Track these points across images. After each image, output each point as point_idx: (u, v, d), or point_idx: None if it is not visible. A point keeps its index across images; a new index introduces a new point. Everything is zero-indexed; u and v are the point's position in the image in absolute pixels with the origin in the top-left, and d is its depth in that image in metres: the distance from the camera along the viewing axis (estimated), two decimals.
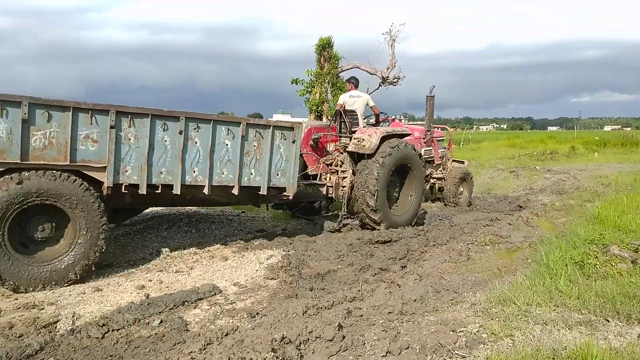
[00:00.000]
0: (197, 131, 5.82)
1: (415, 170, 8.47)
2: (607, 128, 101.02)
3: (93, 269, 5.50)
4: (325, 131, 8.68)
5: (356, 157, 8.21)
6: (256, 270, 5.96)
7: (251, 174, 6.30)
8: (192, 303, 4.81)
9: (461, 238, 7.56)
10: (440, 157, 10.82)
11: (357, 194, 7.84)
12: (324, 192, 8.21)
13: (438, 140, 10.85)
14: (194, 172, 5.86)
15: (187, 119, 5.72)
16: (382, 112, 9.18)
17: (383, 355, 3.63)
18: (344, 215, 8.24)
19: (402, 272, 5.86)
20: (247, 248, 6.92)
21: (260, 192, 6.39)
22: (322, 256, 6.54)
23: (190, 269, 5.94)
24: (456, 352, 3.62)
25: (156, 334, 4.12)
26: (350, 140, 8.19)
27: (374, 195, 7.62)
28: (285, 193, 6.63)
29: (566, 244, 6.36)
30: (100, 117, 5.24)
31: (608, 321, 4.12)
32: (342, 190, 8.14)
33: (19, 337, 4.01)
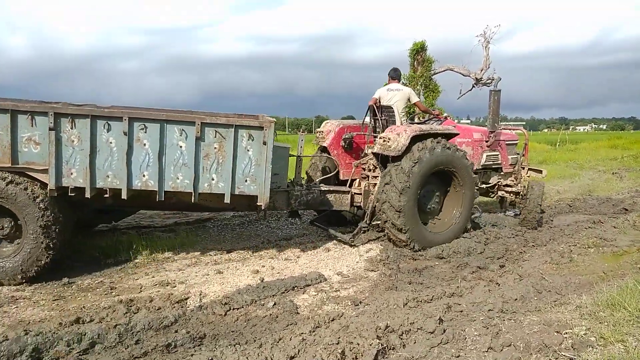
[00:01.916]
0: (145, 132, 5.08)
1: (461, 178, 6.68)
2: None
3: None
4: (359, 130, 7.39)
5: (380, 160, 6.74)
6: (357, 262, 6.00)
7: (212, 179, 5.32)
8: (301, 288, 4.97)
9: (562, 240, 7.03)
10: (511, 165, 8.43)
11: (379, 209, 6.35)
12: (349, 200, 6.79)
13: (508, 145, 8.54)
14: (144, 176, 5.14)
15: (131, 119, 5.02)
16: (434, 108, 7.95)
17: (485, 351, 3.50)
18: (364, 227, 6.71)
19: (500, 271, 5.59)
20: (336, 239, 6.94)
21: (225, 201, 5.39)
22: (419, 252, 6.42)
23: (298, 257, 6.13)
24: (562, 353, 3.39)
25: (271, 314, 4.32)
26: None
27: (399, 213, 6.13)
28: (257, 202, 5.50)
29: None
30: (40, 119, 4.85)
31: None
32: (372, 198, 6.63)
33: (157, 309, 4.41)
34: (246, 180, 5.41)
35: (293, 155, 6.65)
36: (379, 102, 7.24)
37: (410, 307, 4.37)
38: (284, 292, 4.82)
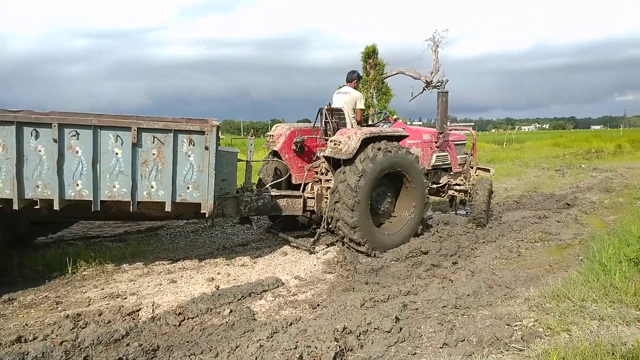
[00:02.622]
0: (77, 139, 4.81)
1: (412, 179, 6.69)
2: None
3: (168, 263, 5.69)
4: (310, 133, 7.25)
5: (332, 163, 6.60)
6: (314, 265, 5.99)
7: (152, 187, 5.09)
8: (258, 294, 4.90)
9: (510, 235, 7.31)
10: (460, 164, 8.61)
11: (332, 208, 6.27)
12: (302, 205, 6.64)
13: (457, 145, 8.67)
14: (77, 185, 4.89)
15: (60, 125, 4.74)
16: (382, 112, 7.97)
17: (440, 347, 3.58)
18: (322, 233, 6.59)
19: (453, 268, 5.74)
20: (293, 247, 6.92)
21: (166, 209, 5.19)
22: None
23: (254, 263, 6.05)
24: (513, 345, 3.51)
25: (227, 322, 4.23)
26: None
27: (352, 212, 6.06)
28: (201, 210, 5.28)
29: (619, 241, 6.02)
30: None
31: None
32: (325, 202, 6.57)
33: (107, 323, 4.22)
34: (188, 188, 5.21)
35: (242, 160, 6.49)
36: (330, 105, 7.18)
37: (367, 308, 4.40)
38: (240, 299, 4.74)
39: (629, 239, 6.10)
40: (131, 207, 5.11)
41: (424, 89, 15.97)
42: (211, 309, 4.48)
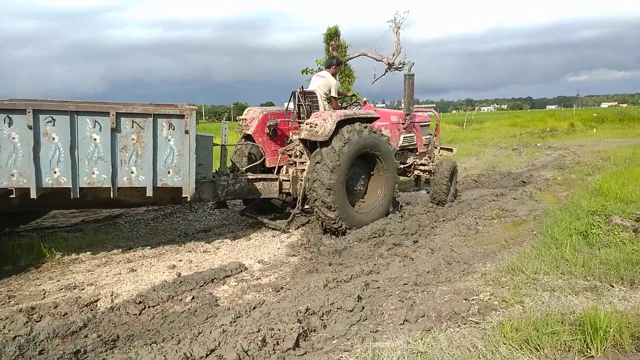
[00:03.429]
0: (53, 125, 4.72)
1: (385, 160, 6.88)
2: (605, 105, 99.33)
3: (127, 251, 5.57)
4: (283, 117, 7.35)
5: (308, 145, 6.72)
6: (278, 248, 6.00)
7: (132, 172, 5.09)
8: (220, 280, 4.87)
9: (469, 213, 7.53)
10: (425, 145, 8.93)
11: (310, 188, 6.36)
12: (277, 188, 6.76)
13: (422, 126, 8.92)
14: (55, 173, 4.81)
15: (35, 112, 4.65)
16: (353, 95, 7.90)
17: (401, 324, 3.66)
18: (297, 213, 6.74)
19: (414, 247, 5.87)
20: (269, 229, 6.95)
21: (147, 194, 5.22)
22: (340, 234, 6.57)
23: (217, 249, 6.00)
24: (470, 318, 3.63)
25: (189, 309, 4.19)
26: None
27: (329, 190, 6.17)
28: (182, 194, 5.36)
29: (570, 215, 6.30)
30: None
31: (612, 286, 4.10)
32: (301, 184, 6.70)
33: (63, 315, 4.10)
34: (169, 172, 5.23)
35: (217, 145, 6.43)
36: (302, 88, 7.20)
37: (330, 288, 4.45)
38: (202, 285, 4.69)
39: (579, 213, 6.40)
40: (111, 193, 5.06)
41: (386, 71, 16.02)
42: (173, 297, 4.42)
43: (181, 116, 5.15)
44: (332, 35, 16.68)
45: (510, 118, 36.50)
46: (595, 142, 18.95)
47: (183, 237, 6.53)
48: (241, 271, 5.14)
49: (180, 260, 5.53)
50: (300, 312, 3.75)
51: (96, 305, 4.33)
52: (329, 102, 7.33)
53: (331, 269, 5.15)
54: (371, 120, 6.99)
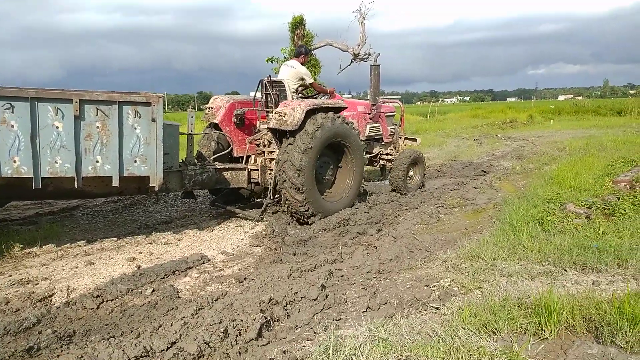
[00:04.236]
0: (12, 112, 4.55)
1: (352, 149, 6.95)
2: (561, 97, 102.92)
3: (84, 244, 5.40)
4: (250, 106, 7.27)
5: (278, 134, 6.72)
6: (242, 239, 5.94)
7: (97, 161, 4.97)
8: (182, 272, 4.77)
9: (431, 202, 7.66)
10: (390, 135, 8.99)
11: (280, 177, 6.35)
12: (246, 177, 6.75)
13: (387, 116, 9.01)
14: (15, 162, 4.64)
15: None
16: (321, 83, 8.08)
17: (364, 311, 3.69)
18: (269, 203, 6.71)
19: (378, 235, 5.92)
20: (232, 219, 6.88)
21: (113, 184, 5.12)
22: (305, 224, 6.56)
23: (179, 241, 5.88)
24: (430, 304, 3.70)
25: (149, 302, 4.09)
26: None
27: (299, 172, 6.17)
28: (150, 184, 5.30)
29: (527, 203, 6.51)
30: None
31: (566, 271, 4.26)
32: (270, 174, 6.69)
33: (15, 311, 3.92)
34: (135, 161, 5.14)
35: (183, 134, 6.29)
36: (270, 77, 7.16)
37: (294, 278, 4.43)
38: (163, 278, 4.59)
39: (536, 201, 6.62)
40: (76, 183, 4.92)
41: (351, 61, 16.05)
42: (132, 290, 4.30)
43: (147, 104, 5.06)
44: (297, 24, 16.54)
45: (472, 110, 37.34)
46: (552, 133, 19.62)
47: (143, 229, 6.36)
48: (203, 263, 5.05)
49: (141, 253, 5.39)
50: (264, 302, 3.72)
51: (51, 300, 4.16)
52: (297, 92, 7.30)
53: (295, 259, 5.14)
54: (339, 110, 7.01)
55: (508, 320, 3.23)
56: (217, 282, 4.56)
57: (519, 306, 3.43)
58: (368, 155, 8.56)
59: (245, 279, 4.57)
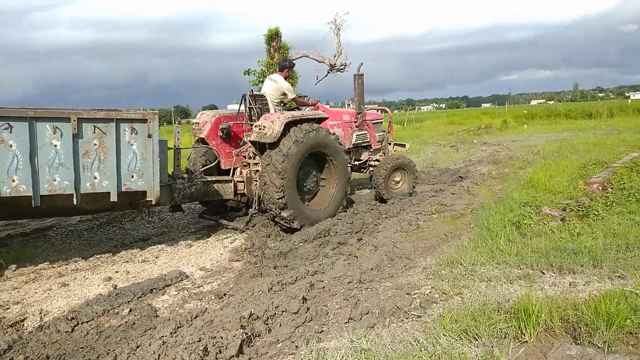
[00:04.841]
0: (10, 132, 4.64)
1: (335, 158, 7.12)
2: (534, 102, 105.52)
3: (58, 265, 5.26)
4: (235, 120, 7.48)
5: (258, 147, 6.92)
6: (221, 254, 5.87)
7: (95, 178, 5.15)
8: (160, 290, 4.68)
9: (410, 209, 7.70)
10: (378, 142, 9.21)
11: (262, 189, 6.54)
12: (232, 189, 6.96)
13: (375, 123, 9.21)
14: (13, 181, 4.71)
15: None
16: (304, 96, 8.09)
17: (345, 322, 3.67)
18: (254, 213, 6.85)
19: (358, 245, 5.92)
20: (211, 234, 6.81)
21: (111, 199, 5.29)
22: (284, 235, 6.54)
23: (156, 258, 5.77)
24: (412, 312, 3.70)
25: (126, 322, 3.99)
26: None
27: (280, 191, 6.35)
28: (147, 197, 5.52)
29: (504, 207, 6.59)
30: None
31: (543, 273, 4.32)
32: (255, 184, 6.88)
33: None
34: (133, 176, 5.35)
35: (171, 148, 6.37)
36: (252, 91, 7.33)
37: (275, 292, 4.39)
38: (140, 297, 4.49)
39: (512, 205, 6.71)
40: (75, 200, 5.04)
41: (328, 72, 16.14)
42: (108, 310, 4.20)
43: (144, 120, 5.30)
44: (273, 36, 16.58)
45: (448, 117, 37.93)
46: (526, 137, 20.02)
47: (120, 247, 6.23)
48: (182, 280, 4.97)
49: (117, 272, 5.27)
50: (244, 317, 3.67)
51: (23, 325, 4.03)
52: (280, 106, 7.49)
53: (276, 272, 5.09)
54: (320, 120, 7.15)
55: (488, 325, 3.24)
56: (196, 299, 4.49)
57: (498, 310, 3.46)
58: (357, 162, 8.79)
59: (225, 294, 4.51)
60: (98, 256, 5.84)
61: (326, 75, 15.97)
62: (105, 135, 5.13)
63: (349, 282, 4.50)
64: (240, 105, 7.40)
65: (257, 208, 6.77)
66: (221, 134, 7.28)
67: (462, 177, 10.71)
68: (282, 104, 7.62)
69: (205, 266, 5.46)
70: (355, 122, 8.59)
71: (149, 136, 5.31)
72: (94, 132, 5.07)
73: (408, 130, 28.42)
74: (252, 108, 7.26)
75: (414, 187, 8.92)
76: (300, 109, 7.81)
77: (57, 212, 5.93)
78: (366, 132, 8.85)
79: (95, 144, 5.10)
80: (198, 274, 5.24)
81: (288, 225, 6.53)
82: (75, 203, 5.05)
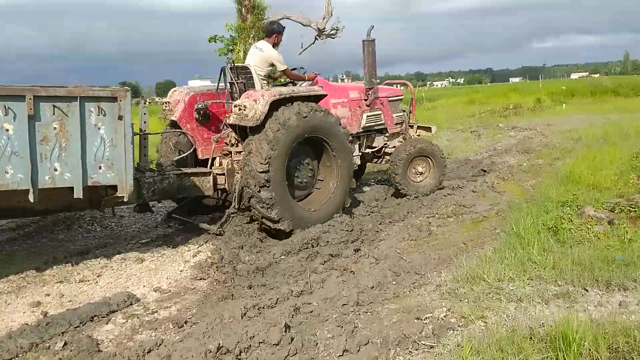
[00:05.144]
0: None
1: (335, 145, 7.12)
2: (574, 76, 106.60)
3: None
4: (214, 98, 7.54)
5: (238, 131, 6.99)
6: (181, 271, 5.87)
7: (55, 170, 5.18)
8: (103, 317, 4.66)
9: (420, 211, 7.74)
10: (397, 124, 9.12)
11: (243, 184, 6.57)
12: (212, 183, 6.99)
13: (392, 101, 9.14)
14: None
15: None
16: (300, 68, 8.07)
17: (339, 355, 3.69)
18: (232, 213, 6.89)
19: (355, 257, 5.95)
20: (168, 245, 6.77)
21: (75, 195, 5.30)
22: (261, 246, 6.56)
23: (98, 277, 5.74)
24: (422, 342, 3.73)
25: (60, 359, 3.97)
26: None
27: (265, 186, 6.39)
28: (118, 193, 5.57)
29: (537, 208, 6.66)
30: None
31: (587, 290, 4.37)
32: (238, 178, 6.88)
33: None
34: (100, 167, 5.42)
35: (136, 134, 6.38)
36: (233, 62, 7.45)
37: (250, 318, 4.40)
38: (78, 326, 4.47)
39: (548, 205, 6.78)
40: (31, 197, 5.07)
41: (316, 39, 16.11)
42: (37, 344, 4.16)
43: (113, 99, 5.37)
44: None
45: (467, 94, 38.15)
46: (565, 119, 20.22)
47: (51, 264, 6.16)
48: (131, 304, 4.96)
49: (48, 295, 5.25)
50: (211, 351, 3.67)
51: None
52: (268, 81, 7.51)
53: (251, 293, 5.11)
54: (317, 98, 7.16)
55: (518, 356, 3.28)
56: (150, 328, 4.48)
57: (531, 338, 3.50)
58: (370, 150, 8.81)
59: (186, 322, 4.51)
60: (23, 275, 5.79)
61: (313, 43, 15.94)
62: (67, 117, 5.17)
63: (344, 304, 4.52)
64: (219, 80, 7.43)
65: (236, 207, 6.78)
66: (197, 115, 7.32)
67: (485, 171, 10.80)
68: (270, 79, 7.63)
69: (161, 286, 5.45)
70: (365, 100, 8.54)
71: (120, 118, 5.36)
72: (54, 114, 5.11)
73: (418, 111, 28.46)
74: (234, 84, 7.27)
75: (442, 181, 8.96)
76: (296, 85, 7.80)
77: (5, 214, 5.96)
78: (380, 112, 8.82)
79: (55, 128, 5.13)
80: (152, 296, 5.23)
81: (275, 229, 6.57)
82: (32, 200, 5.08)
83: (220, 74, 7.40)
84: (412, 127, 9.45)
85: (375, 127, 8.80)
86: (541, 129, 17.41)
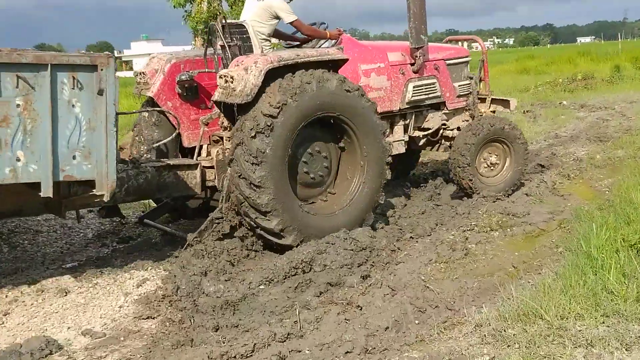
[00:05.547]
0: None
1: (359, 130, 7.20)
2: None
3: None
4: (202, 66, 7.77)
5: (223, 110, 7.21)
6: (120, 307, 5.88)
7: (18, 160, 5.35)
8: None
9: (453, 222, 7.74)
10: (459, 97, 9.25)
11: (233, 183, 6.77)
12: (199, 179, 7.23)
13: (452, 65, 9.23)
14: None
15: None
16: (320, 23, 8.11)
17: None
18: (216, 218, 7.05)
19: (363, 286, 5.94)
20: (103, 271, 6.75)
21: (42, 193, 5.46)
22: (232, 271, 6.55)
23: (5, 315, 5.74)
24: None
25: None
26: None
27: (259, 188, 6.50)
28: (95, 190, 5.76)
29: (615, 218, 6.64)
30: None
31: None
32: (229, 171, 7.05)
33: None
34: (74, 157, 5.57)
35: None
36: (225, 19, 7.61)
37: None
38: None
39: (631, 214, 6.75)
40: (51, 192, 5.36)
41: None
42: None
43: (92, 67, 5.49)
44: None
45: (518, 60, 38.20)
46: None
47: None
48: (51, 353, 4.96)
49: None
50: None
51: None
52: (268, 40, 7.59)
53: (218, 337, 5.11)
54: (335, 64, 7.21)
55: None
56: None
57: None
58: (420, 133, 8.80)
59: None
60: None
61: None
62: (34, 90, 5.29)
63: (347, 351, 4.54)
64: (207, 43, 7.61)
65: (222, 210, 6.95)
66: (180, 90, 7.53)
67: (542, 166, 10.80)
68: (278, 39, 7.79)
69: (93, 328, 5.45)
70: (412, 64, 8.58)
71: (100, 93, 5.50)
72: (17, 87, 5.22)
73: None
74: (226, 47, 7.37)
75: (523, 174, 9.01)
76: (310, 44, 7.86)
77: None
78: (434, 80, 8.85)
79: (18, 105, 5.26)
80: (80, 342, 5.23)
81: (276, 242, 6.72)
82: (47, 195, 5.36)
83: (208, 33, 7.56)
84: (483, 100, 9.42)
85: (427, 101, 8.88)
86: (620, 108, 17.43)
